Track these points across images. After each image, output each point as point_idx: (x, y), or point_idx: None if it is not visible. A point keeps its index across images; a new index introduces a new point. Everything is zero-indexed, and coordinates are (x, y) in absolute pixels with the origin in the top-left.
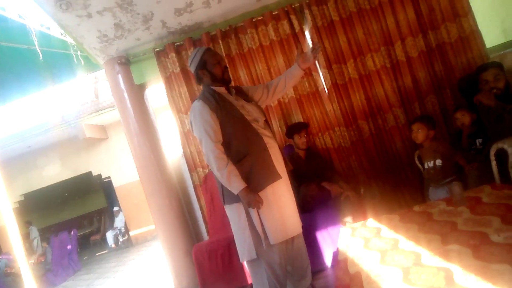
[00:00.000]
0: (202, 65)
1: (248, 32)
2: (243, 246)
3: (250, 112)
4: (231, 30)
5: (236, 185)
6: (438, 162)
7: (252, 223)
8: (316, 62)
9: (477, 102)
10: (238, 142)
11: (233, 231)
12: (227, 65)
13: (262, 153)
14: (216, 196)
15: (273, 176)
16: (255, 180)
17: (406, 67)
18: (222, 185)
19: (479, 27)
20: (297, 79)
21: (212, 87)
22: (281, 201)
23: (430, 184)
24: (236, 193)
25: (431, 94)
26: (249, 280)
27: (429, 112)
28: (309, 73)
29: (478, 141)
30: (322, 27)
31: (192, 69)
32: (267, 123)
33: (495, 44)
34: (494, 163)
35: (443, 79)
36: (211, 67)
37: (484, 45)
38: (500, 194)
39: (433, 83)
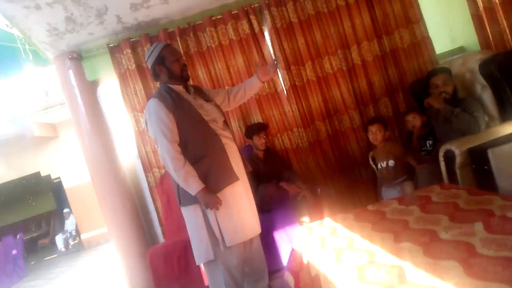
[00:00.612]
0: (160, 61)
1: (207, 30)
2: (199, 248)
3: (209, 111)
4: (189, 28)
5: (193, 186)
6: (391, 162)
7: (209, 225)
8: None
9: (428, 105)
10: (195, 143)
11: (189, 233)
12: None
13: (220, 154)
14: (173, 198)
15: (231, 177)
16: (212, 181)
17: (362, 70)
18: (178, 186)
19: (430, 34)
20: (257, 90)
21: (169, 85)
22: (239, 202)
23: (383, 183)
24: (193, 194)
25: (385, 97)
26: (206, 282)
27: (383, 114)
28: None
29: (428, 142)
30: (281, 28)
31: (149, 64)
32: (226, 123)
33: (444, 51)
34: (442, 164)
35: (396, 83)
36: (169, 63)
37: (434, 51)
38: (448, 193)
39: (387, 87)
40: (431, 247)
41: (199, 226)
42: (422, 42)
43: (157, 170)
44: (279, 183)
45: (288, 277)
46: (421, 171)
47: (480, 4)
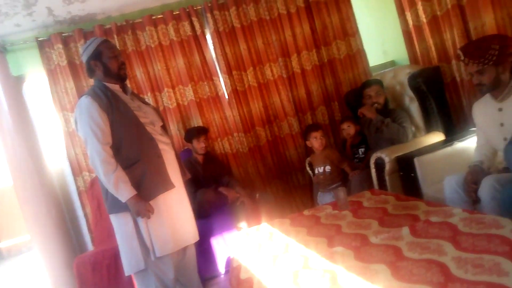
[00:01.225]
0: (96, 56)
1: (147, 29)
2: (130, 257)
3: (146, 114)
4: (128, 25)
5: (124, 192)
6: (328, 168)
7: (140, 233)
8: (217, 66)
9: (361, 115)
10: (130, 146)
11: (118, 242)
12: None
13: (156, 160)
14: (103, 203)
15: (166, 185)
16: (146, 188)
17: (301, 78)
18: (107, 192)
19: (364, 47)
20: None
21: (105, 83)
22: (172, 210)
23: (319, 189)
24: (124, 201)
25: (322, 105)
26: None
27: (319, 122)
28: (209, 78)
29: (361, 150)
30: (224, 32)
31: (83, 58)
32: (165, 128)
33: (376, 64)
34: (373, 171)
35: (332, 92)
36: (106, 59)
37: (368, 63)
38: (378, 199)
39: (324, 95)
40: (362, 251)
41: (129, 235)
42: (357, 54)
43: (87, 173)
44: (218, 188)
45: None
46: (354, 177)
47: (410, 22)
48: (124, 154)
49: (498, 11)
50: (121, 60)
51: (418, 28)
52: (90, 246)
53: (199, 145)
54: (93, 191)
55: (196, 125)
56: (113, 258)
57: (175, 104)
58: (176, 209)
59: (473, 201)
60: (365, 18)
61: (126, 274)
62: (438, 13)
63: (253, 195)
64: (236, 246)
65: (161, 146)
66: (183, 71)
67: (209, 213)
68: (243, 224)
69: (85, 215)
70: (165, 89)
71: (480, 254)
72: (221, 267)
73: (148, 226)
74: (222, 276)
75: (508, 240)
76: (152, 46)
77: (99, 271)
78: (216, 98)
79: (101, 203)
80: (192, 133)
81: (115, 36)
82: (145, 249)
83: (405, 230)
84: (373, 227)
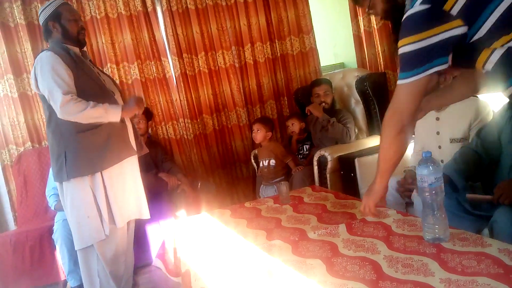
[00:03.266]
0: (55, 17)
1: None
2: (88, 227)
3: (106, 82)
4: None
5: (114, 109)
6: (272, 162)
7: (97, 203)
8: (167, 47)
9: (308, 112)
10: None
11: (70, 212)
12: None
13: (120, 124)
14: (31, 180)
15: (130, 150)
16: (111, 151)
17: (253, 70)
18: (65, 156)
19: (317, 46)
20: None
21: (65, 44)
22: (131, 180)
23: (262, 181)
24: (119, 116)
25: (271, 99)
26: (62, 276)
27: (268, 116)
28: (158, 58)
29: (305, 146)
30: (177, 12)
31: (41, 19)
32: (123, 99)
33: (327, 64)
34: (316, 168)
35: (282, 87)
36: (65, 22)
37: (319, 62)
38: (318, 196)
39: (274, 90)
40: (299, 245)
41: (87, 203)
42: (309, 52)
43: (14, 147)
44: (159, 173)
45: (158, 264)
46: (297, 173)
47: (362, 27)
48: None
49: None
50: (81, 24)
51: (369, 33)
52: (12, 226)
53: (137, 125)
54: (20, 167)
55: None
56: (38, 240)
57: (117, 81)
58: (133, 179)
59: (406, 203)
60: (320, 17)
61: (77, 248)
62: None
63: (195, 184)
64: (174, 235)
65: None
66: (129, 48)
67: (147, 198)
68: (181, 213)
69: (9, 191)
70: (108, 65)
71: (410, 254)
72: (154, 255)
73: (107, 194)
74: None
75: (436, 244)
76: (98, 17)
77: (21, 253)
78: (163, 79)
79: (28, 179)
80: None
81: None
82: (100, 221)
83: (342, 228)
84: (312, 222)
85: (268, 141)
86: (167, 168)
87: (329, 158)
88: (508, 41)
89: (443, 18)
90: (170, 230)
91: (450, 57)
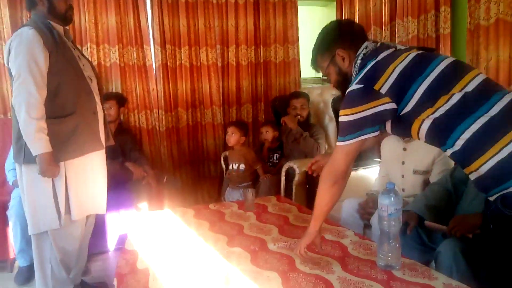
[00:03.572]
0: None
1: None
2: (43, 214)
3: (85, 67)
4: None
5: (40, 144)
6: (242, 166)
7: (55, 191)
8: (151, 36)
9: (283, 123)
10: (67, 95)
11: (26, 196)
12: None
13: (91, 116)
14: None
15: (97, 144)
16: (76, 143)
17: (234, 71)
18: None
19: (300, 57)
20: None
21: (50, 22)
22: (94, 173)
23: (229, 184)
24: (35, 154)
25: (248, 103)
26: (11, 254)
27: (243, 119)
28: (140, 44)
29: (276, 155)
30: (166, 2)
31: None
32: (99, 86)
33: (307, 76)
34: (283, 178)
35: (261, 93)
36: None
37: (300, 74)
38: (282, 207)
39: (252, 94)
40: (258, 256)
41: (45, 189)
42: (292, 63)
43: None
44: (125, 162)
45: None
46: (264, 181)
47: None
48: (59, 102)
49: None
50: (70, 3)
51: None
52: None
53: (107, 111)
54: None
55: (114, 91)
56: None
57: (95, 62)
58: (97, 172)
59: (365, 225)
60: (306, 29)
61: (31, 232)
62: None
63: (161, 177)
64: (134, 228)
65: (97, 103)
66: (112, 30)
67: (110, 186)
68: (143, 205)
69: None
70: (88, 44)
71: (362, 278)
72: (110, 244)
73: (67, 185)
74: (110, 253)
75: (387, 271)
76: None
77: None
78: (142, 67)
79: None
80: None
81: None
82: (57, 210)
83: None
84: (273, 233)
85: (240, 145)
86: (134, 158)
87: (297, 170)
88: (433, 112)
89: (373, 95)
90: (133, 223)
91: (388, 125)
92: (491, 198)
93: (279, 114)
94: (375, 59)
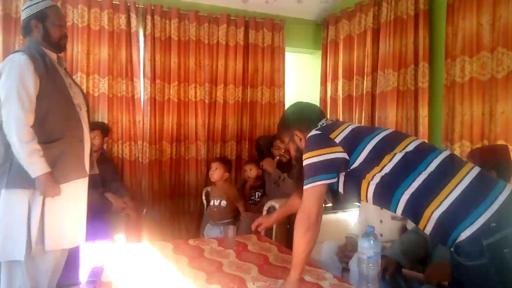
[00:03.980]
0: (40, 17)
1: (79, 7)
2: (11, 242)
3: (75, 95)
4: None
5: (38, 166)
6: (223, 203)
7: (29, 219)
8: (141, 69)
9: (262, 167)
10: (55, 122)
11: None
12: None
13: (77, 144)
14: None
15: (80, 171)
16: (61, 169)
17: (221, 109)
18: (10, 163)
19: (286, 99)
20: None
21: (43, 48)
22: (75, 203)
23: (209, 220)
24: (34, 176)
25: (233, 141)
26: None
27: (226, 156)
28: (130, 77)
29: (258, 193)
30: (159, 39)
31: (24, 14)
32: (88, 114)
33: None
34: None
35: (246, 132)
36: (50, 25)
37: None
38: (262, 246)
39: (237, 132)
40: None
41: (18, 216)
42: (277, 105)
43: None
44: (105, 193)
45: None
46: (245, 219)
47: (329, 93)
48: (47, 128)
49: (400, 110)
50: (65, 31)
51: (334, 100)
52: None
53: (92, 140)
54: None
55: (100, 121)
56: None
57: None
58: (79, 201)
59: (343, 268)
60: (292, 73)
61: (2, 259)
62: (354, 93)
63: (140, 209)
64: (111, 260)
65: (84, 131)
66: (104, 62)
67: (87, 216)
68: (120, 237)
69: None
70: (78, 74)
71: None
72: (82, 276)
73: (44, 213)
74: (81, 285)
75: None
76: (80, 25)
77: None
78: (130, 100)
79: None
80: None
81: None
82: (29, 239)
83: (281, 283)
84: (253, 272)
85: (223, 181)
86: (114, 188)
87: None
88: (380, 171)
89: (329, 142)
90: (110, 255)
91: (341, 185)
92: (452, 249)
93: (262, 153)
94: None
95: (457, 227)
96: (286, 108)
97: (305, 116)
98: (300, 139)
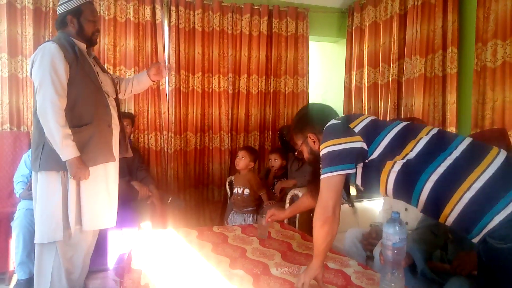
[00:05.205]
0: (76, 13)
1: (106, 0)
2: (48, 224)
3: (104, 82)
4: None
5: (69, 150)
6: (246, 191)
7: (66, 201)
8: (167, 60)
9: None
10: (84, 107)
11: (37, 205)
12: None
13: (105, 128)
14: (1, 162)
15: (108, 155)
16: (89, 152)
17: (244, 99)
18: (42, 147)
19: (310, 89)
20: (145, 87)
21: (73, 39)
22: (108, 185)
23: (233, 208)
24: (64, 159)
25: (256, 131)
26: (11, 266)
27: (250, 146)
28: None
29: None
30: (183, 30)
31: (60, 9)
32: (117, 102)
33: None
34: (287, 205)
35: (269, 121)
36: (84, 20)
37: None
38: (286, 233)
39: (261, 122)
40: (261, 279)
41: (54, 199)
42: (301, 94)
43: None
44: (131, 181)
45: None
46: (268, 207)
47: (354, 81)
48: (77, 113)
49: (427, 97)
50: (98, 27)
51: (359, 89)
52: None
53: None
54: None
55: (126, 111)
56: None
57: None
58: (111, 184)
59: (367, 257)
60: (316, 62)
61: (38, 241)
62: (380, 81)
63: (165, 198)
64: (138, 246)
65: (113, 117)
66: (130, 53)
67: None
68: (146, 224)
69: None
70: (105, 65)
71: None
72: (110, 262)
73: (81, 195)
74: (109, 271)
75: None
76: (106, 18)
77: None
78: (156, 91)
79: None
80: None
81: None
82: (66, 219)
83: (304, 269)
84: (276, 259)
85: (247, 170)
86: (140, 177)
87: None
88: (402, 158)
89: (348, 131)
90: (137, 241)
91: (359, 177)
92: (474, 240)
93: (286, 142)
94: None
95: (488, 211)
96: (300, 108)
97: (319, 117)
98: (314, 141)
